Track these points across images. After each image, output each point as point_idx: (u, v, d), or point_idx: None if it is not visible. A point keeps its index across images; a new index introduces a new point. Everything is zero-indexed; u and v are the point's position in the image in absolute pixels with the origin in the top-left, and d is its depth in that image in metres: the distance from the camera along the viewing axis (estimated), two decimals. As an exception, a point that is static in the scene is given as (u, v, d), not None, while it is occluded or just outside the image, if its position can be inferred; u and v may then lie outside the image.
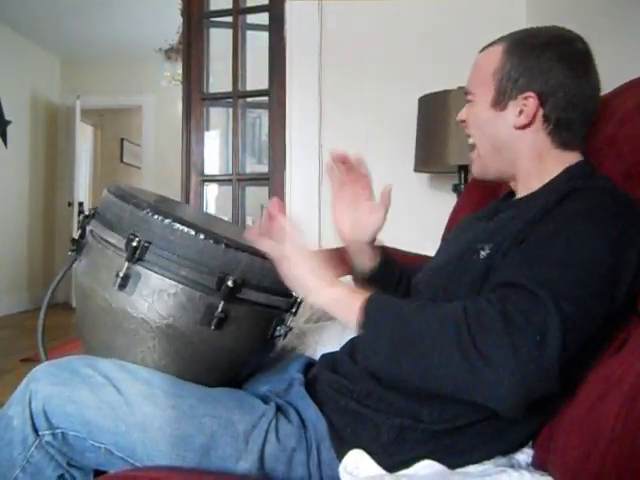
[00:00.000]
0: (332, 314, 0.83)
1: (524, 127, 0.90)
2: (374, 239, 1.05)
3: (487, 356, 0.66)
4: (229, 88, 2.56)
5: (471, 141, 0.98)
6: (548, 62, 0.88)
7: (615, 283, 0.73)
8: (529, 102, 0.89)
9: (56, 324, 2.94)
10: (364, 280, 1.08)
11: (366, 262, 1.07)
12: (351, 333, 1.14)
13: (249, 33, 2.68)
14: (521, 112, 0.90)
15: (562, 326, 0.67)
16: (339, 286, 0.82)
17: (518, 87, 0.90)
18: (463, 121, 0.99)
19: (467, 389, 0.70)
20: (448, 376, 0.70)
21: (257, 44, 2.63)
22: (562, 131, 0.90)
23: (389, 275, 1.10)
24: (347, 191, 1.03)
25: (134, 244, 0.83)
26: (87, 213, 0.94)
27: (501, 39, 0.94)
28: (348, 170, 1.02)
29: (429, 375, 0.72)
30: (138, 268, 0.84)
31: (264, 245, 0.85)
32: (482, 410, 0.81)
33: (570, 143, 0.91)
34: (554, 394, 0.81)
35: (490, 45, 0.96)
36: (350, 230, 1.04)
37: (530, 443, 0.86)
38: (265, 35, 2.48)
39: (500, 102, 0.91)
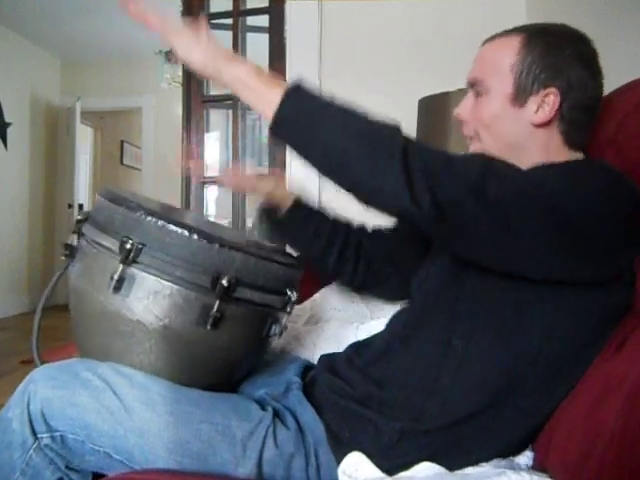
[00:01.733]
0: (236, 90, 0.82)
1: (541, 125, 0.87)
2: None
3: (410, 162, 0.70)
4: (229, 90, 2.56)
5: (469, 134, 0.93)
6: (570, 58, 0.85)
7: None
8: (550, 99, 0.85)
9: (56, 326, 2.93)
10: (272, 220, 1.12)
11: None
12: (349, 336, 1.14)
13: (249, 35, 2.68)
14: (539, 108, 0.86)
15: (486, 174, 0.72)
16: (248, 65, 0.81)
17: (540, 82, 0.85)
18: (462, 119, 0.93)
19: (376, 184, 0.72)
20: (360, 172, 0.73)
21: (257, 46, 2.63)
22: (574, 130, 0.88)
23: (300, 226, 1.11)
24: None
25: (128, 246, 0.83)
26: (79, 217, 0.93)
27: (514, 30, 0.90)
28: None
29: (342, 168, 0.75)
30: (132, 270, 0.84)
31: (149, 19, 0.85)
32: (483, 399, 0.82)
33: (578, 142, 0.89)
34: (553, 396, 0.81)
35: (501, 35, 0.91)
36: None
37: (530, 446, 0.86)
38: (265, 37, 2.48)
39: (520, 97, 0.86)
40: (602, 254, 0.76)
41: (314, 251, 1.11)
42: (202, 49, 0.83)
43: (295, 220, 1.11)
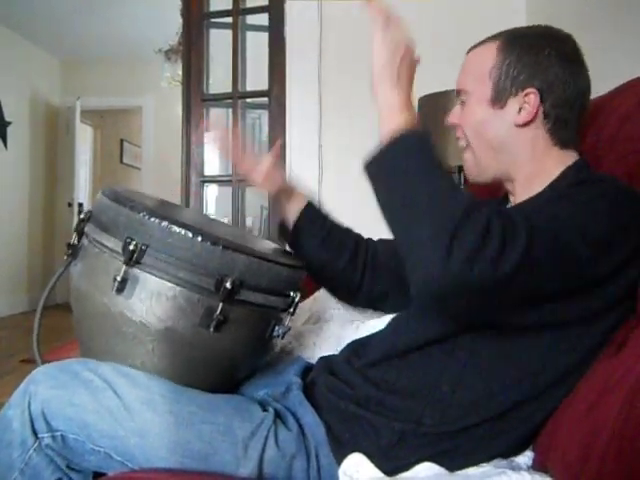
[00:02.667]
0: (378, 112, 0.83)
1: (525, 124, 0.89)
2: (287, 188, 1.13)
3: (455, 238, 0.69)
4: (229, 89, 2.56)
5: (462, 143, 0.96)
6: (547, 58, 0.87)
7: (595, 257, 0.75)
8: (530, 98, 0.87)
9: (56, 325, 2.93)
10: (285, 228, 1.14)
11: (288, 210, 1.13)
12: (349, 335, 1.14)
13: (249, 34, 2.68)
14: (521, 109, 0.88)
15: (525, 250, 0.70)
16: (402, 97, 0.82)
17: (518, 83, 0.88)
18: (454, 124, 0.97)
19: (418, 254, 0.73)
20: (412, 238, 0.74)
21: (257, 45, 2.63)
22: (561, 128, 0.89)
23: (312, 227, 1.12)
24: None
25: (131, 247, 0.82)
26: (82, 217, 0.93)
27: (492, 37, 0.92)
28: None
29: (401, 227, 0.76)
30: (136, 271, 0.84)
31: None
32: (483, 411, 0.81)
33: (568, 141, 0.91)
34: (554, 395, 0.81)
35: (480, 44, 0.94)
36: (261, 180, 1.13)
37: (531, 446, 0.86)
38: (265, 36, 2.47)
39: (499, 100, 0.89)
40: (617, 282, 0.78)
41: (325, 256, 1.11)
42: (394, 57, 0.83)
43: (308, 220, 1.12)
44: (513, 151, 0.91)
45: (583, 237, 0.74)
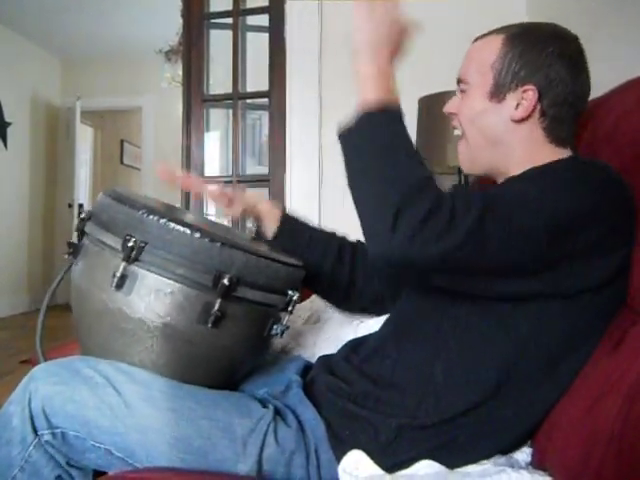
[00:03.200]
0: (357, 82, 0.84)
1: (521, 120, 0.89)
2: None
3: (401, 217, 0.72)
4: (229, 89, 2.56)
5: (458, 132, 0.97)
6: (550, 57, 0.87)
7: (555, 236, 0.75)
8: (528, 95, 0.88)
9: (56, 325, 2.93)
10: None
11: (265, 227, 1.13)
12: (349, 335, 1.14)
13: (249, 34, 2.68)
14: (518, 105, 0.89)
15: (472, 226, 0.73)
16: (381, 68, 0.83)
17: (518, 79, 0.88)
18: (451, 113, 0.97)
19: (368, 222, 0.77)
20: (366, 205, 0.78)
21: (257, 45, 2.63)
22: (557, 127, 0.90)
23: (292, 241, 1.12)
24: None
25: (130, 244, 0.83)
26: (83, 216, 0.94)
27: (499, 30, 0.93)
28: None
29: (360, 193, 0.79)
30: (135, 268, 0.84)
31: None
32: (476, 393, 0.82)
33: (562, 139, 0.91)
34: (550, 389, 0.81)
35: (487, 35, 0.94)
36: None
37: (529, 442, 0.86)
38: (265, 36, 2.48)
39: (498, 93, 0.90)
40: (591, 262, 0.79)
41: (308, 264, 1.10)
42: (375, 32, 0.84)
43: (287, 234, 1.12)
44: (508, 146, 0.91)
45: (545, 216, 0.75)
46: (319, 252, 1.11)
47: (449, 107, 0.98)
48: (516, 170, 0.91)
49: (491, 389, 0.82)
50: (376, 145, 0.79)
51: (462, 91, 0.95)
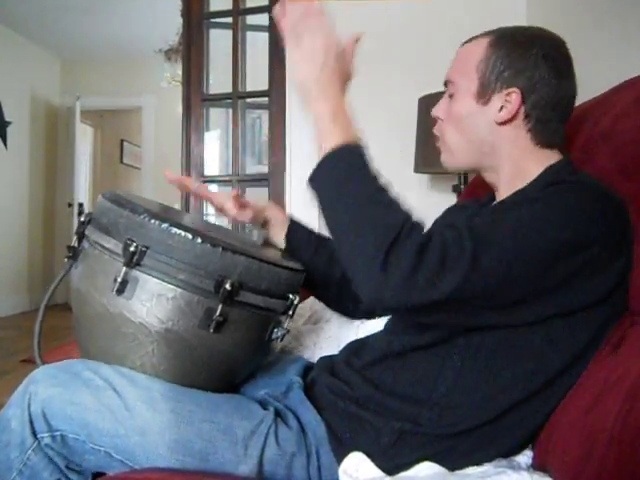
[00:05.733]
0: (314, 123, 0.82)
1: (505, 123, 0.89)
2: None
3: (390, 262, 0.70)
4: (229, 89, 2.56)
5: (437, 133, 0.97)
6: (534, 59, 0.87)
7: (556, 259, 0.74)
8: (512, 98, 0.88)
9: (56, 325, 2.93)
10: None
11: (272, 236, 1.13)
12: (349, 335, 1.14)
13: (249, 34, 2.68)
14: (502, 107, 0.89)
15: (468, 267, 0.71)
16: (332, 105, 0.81)
17: (502, 80, 0.88)
18: (437, 118, 0.97)
19: (357, 271, 0.74)
20: (351, 254, 0.75)
21: (257, 45, 2.63)
22: (542, 129, 0.90)
23: (299, 250, 1.12)
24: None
25: (132, 249, 0.82)
26: (82, 219, 0.93)
27: (486, 33, 0.93)
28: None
29: (341, 241, 0.77)
30: (136, 273, 0.84)
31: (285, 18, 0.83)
32: (481, 414, 0.81)
33: (550, 141, 0.91)
34: (552, 397, 0.81)
35: (474, 38, 0.94)
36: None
37: (530, 445, 0.86)
38: (265, 36, 2.48)
39: (484, 95, 0.90)
40: (590, 280, 0.78)
41: (316, 272, 1.10)
42: (315, 67, 0.83)
43: (295, 242, 1.12)
44: (492, 147, 0.91)
45: (541, 244, 0.74)
46: (326, 259, 1.11)
47: (436, 111, 0.98)
48: (505, 174, 0.92)
49: (499, 411, 0.81)
50: (347, 191, 0.77)
51: (450, 95, 0.95)
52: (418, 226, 0.74)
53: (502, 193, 0.94)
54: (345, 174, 0.78)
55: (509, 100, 0.88)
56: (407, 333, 0.91)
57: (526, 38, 0.90)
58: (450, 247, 0.72)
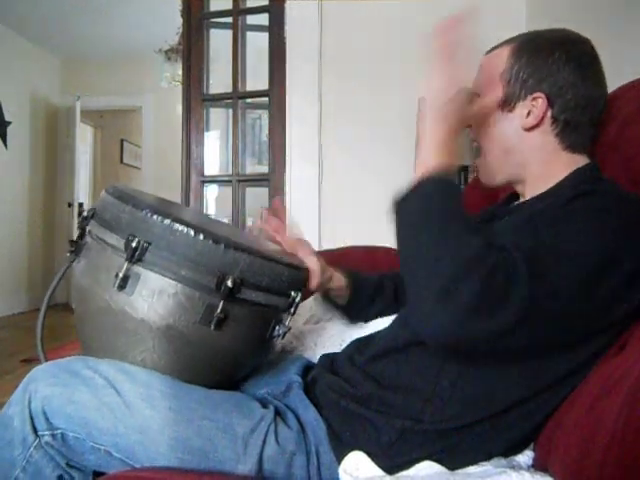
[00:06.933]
0: (422, 143, 0.83)
1: (532, 128, 0.89)
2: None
3: (450, 292, 0.69)
4: (229, 89, 2.56)
5: (475, 145, 0.97)
6: (557, 63, 0.87)
7: (596, 283, 0.72)
8: (538, 103, 0.88)
9: (56, 325, 2.94)
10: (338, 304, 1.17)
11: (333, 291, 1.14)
12: (350, 335, 1.14)
13: (249, 34, 2.68)
14: (529, 113, 0.89)
15: (527, 287, 0.69)
16: (446, 134, 0.82)
17: (527, 88, 0.89)
18: (469, 125, 0.97)
19: (420, 302, 0.72)
20: (420, 286, 0.73)
21: (257, 45, 2.63)
22: (570, 133, 0.89)
23: (360, 301, 1.17)
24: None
25: (134, 244, 0.82)
26: (85, 214, 0.94)
27: (508, 41, 0.93)
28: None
29: (412, 276, 0.75)
30: (138, 268, 0.84)
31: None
32: (483, 409, 0.81)
33: (578, 145, 0.90)
34: (557, 397, 0.81)
35: (496, 47, 0.95)
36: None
37: (531, 445, 0.86)
38: (265, 36, 2.48)
39: (509, 103, 0.90)
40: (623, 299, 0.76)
41: (375, 311, 1.18)
42: (450, 91, 0.83)
43: (356, 300, 1.16)
44: (522, 154, 0.91)
45: (588, 269, 0.72)
46: (381, 302, 1.18)
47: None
48: (531, 178, 0.92)
49: (502, 406, 0.81)
50: (431, 216, 0.76)
51: None
52: (483, 259, 0.71)
53: (527, 195, 0.94)
54: (431, 202, 0.77)
55: (535, 105, 0.88)
56: (409, 330, 0.90)
57: (547, 42, 0.90)
58: (504, 266, 0.70)
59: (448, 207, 0.76)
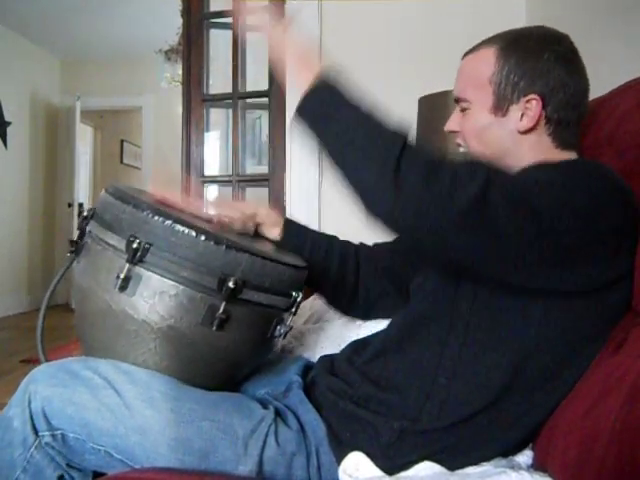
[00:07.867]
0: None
1: (528, 131, 0.89)
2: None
3: (401, 176, 0.72)
4: (229, 89, 2.56)
5: (463, 150, 0.95)
6: (547, 62, 0.87)
7: (567, 226, 0.74)
8: (532, 105, 0.87)
9: (56, 325, 2.95)
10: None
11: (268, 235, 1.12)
12: (350, 335, 1.14)
13: (249, 34, 2.68)
14: (523, 115, 0.88)
15: (483, 184, 0.71)
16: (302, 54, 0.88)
17: (519, 90, 0.88)
18: (453, 131, 0.96)
19: (367, 191, 0.76)
20: (359, 175, 0.76)
21: (257, 45, 2.62)
22: (562, 131, 0.89)
23: (296, 248, 1.11)
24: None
25: (135, 245, 0.82)
26: (85, 214, 0.93)
27: (488, 41, 0.92)
28: None
29: (347, 167, 0.78)
30: (139, 269, 0.84)
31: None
32: (479, 400, 0.82)
33: (569, 142, 0.91)
34: (552, 393, 0.81)
35: (477, 48, 0.93)
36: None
37: (530, 445, 0.86)
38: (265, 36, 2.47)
39: (501, 107, 0.89)
40: (593, 262, 0.77)
41: (313, 267, 1.10)
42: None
43: (291, 239, 1.11)
44: (516, 156, 0.90)
45: (551, 204, 0.74)
46: (322, 255, 1.11)
47: (450, 126, 0.97)
48: None
49: (495, 394, 0.82)
50: (341, 115, 0.79)
51: (462, 109, 0.94)
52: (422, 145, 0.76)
53: None
54: (333, 102, 0.80)
55: (529, 107, 0.87)
56: (405, 315, 0.92)
57: (534, 42, 0.89)
58: (460, 171, 0.73)
59: (353, 100, 0.80)
